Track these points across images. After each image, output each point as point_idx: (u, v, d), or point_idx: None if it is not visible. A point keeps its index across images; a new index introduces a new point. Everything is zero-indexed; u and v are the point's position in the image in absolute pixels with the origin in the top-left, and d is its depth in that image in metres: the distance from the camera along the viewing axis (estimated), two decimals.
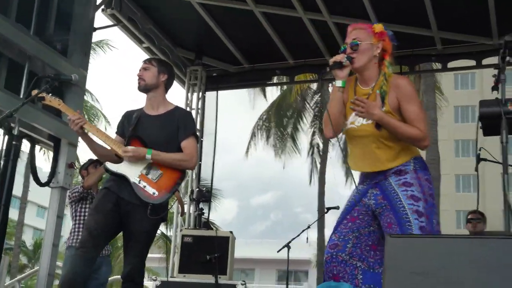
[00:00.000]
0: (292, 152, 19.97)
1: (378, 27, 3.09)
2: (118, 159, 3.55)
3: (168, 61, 3.93)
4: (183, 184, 7.37)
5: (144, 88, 3.71)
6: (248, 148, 19.65)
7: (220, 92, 7.93)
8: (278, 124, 19.42)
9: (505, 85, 2.67)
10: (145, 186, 3.44)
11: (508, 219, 2.50)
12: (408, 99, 2.97)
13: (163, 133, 3.58)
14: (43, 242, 5.60)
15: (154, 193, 3.43)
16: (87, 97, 21.20)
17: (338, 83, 2.97)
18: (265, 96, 19.15)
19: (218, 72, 7.93)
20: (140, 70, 3.75)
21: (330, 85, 3.19)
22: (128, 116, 3.75)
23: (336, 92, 3.01)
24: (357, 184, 3.12)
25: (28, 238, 36.00)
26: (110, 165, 3.54)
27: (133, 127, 3.60)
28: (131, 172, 3.48)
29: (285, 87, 17.93)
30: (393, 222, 2.86)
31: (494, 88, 2.68)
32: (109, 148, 3.62)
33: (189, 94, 7.74)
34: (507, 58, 2.70)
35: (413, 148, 3.03)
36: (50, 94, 3.61)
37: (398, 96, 2.97)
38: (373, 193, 3.00)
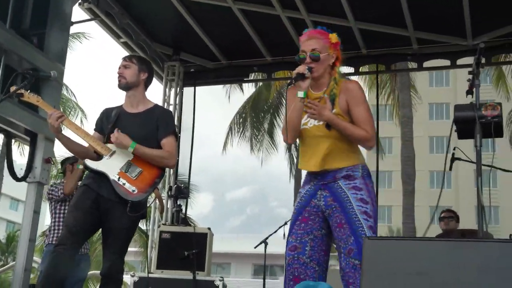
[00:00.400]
0: (269, 148, 20.05)
1: (334, 37, 3.23)
2: (96, 156, 3.56)
3: (147, 59, 3.93)
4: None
5: (125, 86, 3.72)
6: (225, 144, 19.67)
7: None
8: (254, 120, 19.45)
9: (480, 83, 2.75)
10: (124, 184, 3.46)
11: (481, 220, 2.57)
12: (357, 102, 3.14)
13: (143, 131, 3.60)
14: (19, 237, 5.55)
15: (133, 191, 3.45)
16: (63, 90, 20.95)
17: (300, 94, 3.10)
18: (242, 90, 19.15)
19: (196, 67, 7.92)
20: (120, 68, 3.75)
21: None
22: (107, 113, 3.76)
23: (297, 102, 3.13)
24: (303, 183, 3.26)
25: (1, 231, 35.57)
26: (89, 162, 3.55)
27: (113, 124, 3.61)
28: (111, 169, 3.49)
29: (260, 83, 17.97)
30: (344, 222, 3.01)
31: (469, 92, 2.76)
32: (87, 145, 3.62)
33: (167, 90, 7.72)
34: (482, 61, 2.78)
35: (361, 155, 3.22)
36: (29, 91, 3.60)
37: (347, 99, 3.14)
38: (322, 194, 3.12)
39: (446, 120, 37.36)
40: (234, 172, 70.99)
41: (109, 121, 3.65)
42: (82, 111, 21.17)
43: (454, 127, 2.76)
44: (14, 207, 44.50)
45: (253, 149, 19.74)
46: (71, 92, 21.39)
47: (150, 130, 3.61)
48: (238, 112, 19.38)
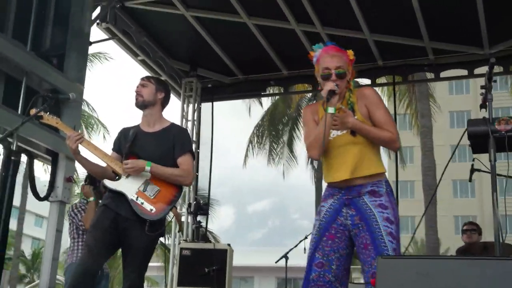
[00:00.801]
0: (289, 160, 20.01)
1: (351, 54, 3.24)
2: (115, 176, 3.60)
3: (164, 81, 3.98)
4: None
5: (142, 104, 3.76)
6: (245, 156, 19.70)
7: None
8: (273, 132, 19.49)
9: (497, 90, 2.74)
10: (142, 203, 3.49)
11: (499, 238, 2.55)
12: (376, 105, 3.14)
13: (159, 150, 3.63)
14: (42, 256, 5.63)
15: (151, 210, 3.48)
16: (84, 107, 21.29)
17: (331, 109, 3.05)
18: (261, 103, 19.22)
19: (213, 83, 8.00)
20: (137, 87, 3.80)
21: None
22: (124, 132, 3.81)
23: (329, 118, 3.07)
24: (324, 197, 3.20)
25: (26, 248, 35.92)
26: (108, 183, 3.59)
27: (130, 144, 3.66)
28: (129, 189, 3.53)
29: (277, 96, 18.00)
30: (369, 242, 2.95)
31: (482, 106, 2.75)
32: (105, 165, 3.67)
33: (185, 106, 7.81)
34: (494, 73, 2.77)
35: (383, 164, 3.19)
36: (48, 113, 3.67)
37: (366, 104, 3.14)
38: (348, 213, 3.07)
39: None
40: (254, 184, 71.02)
41: (127, 141, 3.70)
42: (104, 127, 21.46)
43: (468, 142, 2.75)
44: (39, 224, 44.94)
45: (272, 161, 19.74)
46: (93, 108, 21.67)
47: (166, 149, 3.65)
48: (256, 125, 19.44)
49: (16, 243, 21.75)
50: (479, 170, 4.88)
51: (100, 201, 4.07)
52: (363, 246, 2.98)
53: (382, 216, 2.98)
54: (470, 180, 4.95)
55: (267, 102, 19.30)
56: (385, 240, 2.92)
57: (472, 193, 38.74)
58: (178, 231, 6.48)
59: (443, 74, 7.24)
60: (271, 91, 9.70)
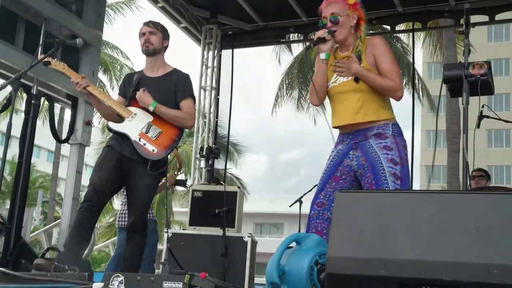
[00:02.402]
0: (318, 107, 19.88)
1: None
2: (119, 119, 3.78)
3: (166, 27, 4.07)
4: (199, 141, 7.63)
5: (152, 52, 3.89)
6: (274, 105, 19.67)
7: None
8: (302, 80, 19.31)
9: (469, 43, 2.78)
10: (145, 144, 3.67)
11: (466, 177, 2.65)
12: (383, 54, 3.22)
13: (161, 94, 3.78)
14: (64, 196, 5.93)
15: (153, 150, 3.66)
16: (118, 56, 21.50)
17: (322, 55, 3.21)
18: (290, 51, 18.98)
19: (233, 30, 8.02)
20: (145, 34, 3.89)
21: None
22: (129, 78, 3.98)
23: (321, 64, 3.23)
24: (335, 144, 3.33)
25: (63, 191, 37.08)
26: (112, 125, 3.78)
27: (134, 88, 3.82)
28: (132, 130, 3.71)
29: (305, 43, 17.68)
30: (373, 183, 3.08)
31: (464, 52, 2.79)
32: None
33: (205, 52, 7.89)
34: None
35: (391, 112, 3.27)
36: (56, 59, 3.83)
37: (374, 53, 3.22)
38: (355, 154, 3.20)
39: (505, 76, 35.99)
40: (286, 133, 70.98)
41: (131, 86, 3.86)
42: None
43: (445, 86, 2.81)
44: None
45: (301, 109, 19.63)
46: (126, 56, 21.74)
47: (168, 93, 3.80)
48: (285, 73, 19.30)
49: (51, 186, 22.56)
50: (488, 117, 4.92)
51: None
52: (368, 186, 3.11)
53: (387, 157, 3.09)
54: (478, 126, 4.96)
55: (297, 48, 19.04)
56: (388, 180, 3.04)
57: (507, 142, 38.08)
58: (178, 171, 6.67)
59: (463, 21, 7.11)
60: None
